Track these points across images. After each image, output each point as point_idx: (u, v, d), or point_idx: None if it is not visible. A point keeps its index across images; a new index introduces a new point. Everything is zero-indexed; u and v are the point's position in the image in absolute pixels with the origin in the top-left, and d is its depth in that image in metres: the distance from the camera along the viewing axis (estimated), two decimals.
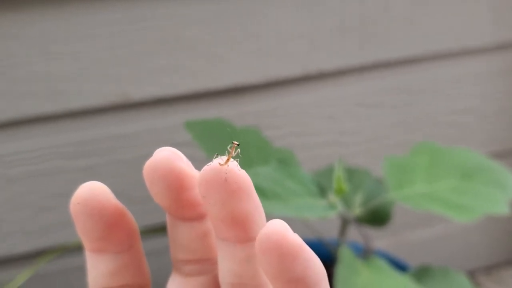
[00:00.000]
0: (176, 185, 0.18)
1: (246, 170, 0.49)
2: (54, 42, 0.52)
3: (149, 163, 0.18)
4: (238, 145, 0.19)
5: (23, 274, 0.49)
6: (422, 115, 0.71)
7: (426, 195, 0.51)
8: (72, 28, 0.52)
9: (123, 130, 0.58)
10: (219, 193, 0.17)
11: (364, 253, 0.55)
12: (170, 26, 0.56)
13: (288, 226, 0.17)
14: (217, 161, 0.18)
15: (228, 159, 0.18)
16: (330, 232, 0.58)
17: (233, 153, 0.19)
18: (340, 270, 0.45)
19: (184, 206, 0.19)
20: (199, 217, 0.20)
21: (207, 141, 0.51)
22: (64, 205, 0.57)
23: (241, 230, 0.18)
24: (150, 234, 0.56)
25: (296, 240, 0.16)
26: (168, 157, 0.18)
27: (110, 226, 0.19)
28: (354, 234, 0.58)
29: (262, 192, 0.45)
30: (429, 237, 0.78)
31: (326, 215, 0.46)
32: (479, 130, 0.74)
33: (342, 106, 0.66)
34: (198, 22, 0.56)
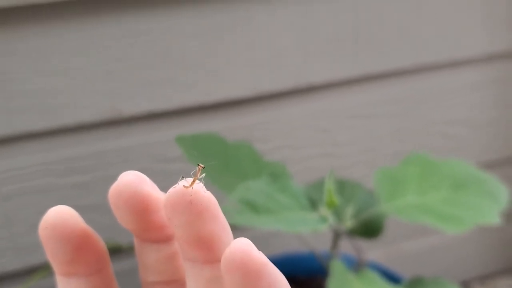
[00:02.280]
0: (141, 209, 0.19)
1: (238, 184, 0.49)
2: (47, 58, 0.53)
3: (113, 188, 0.19)
4: (203, 167, 0.19)
5: None
6: (414, 126, 0.71)
7: (417, 207, 0.51)
8: (64, 44, 0.53)
9: (115, 146, 0.58)
10: (184, 215, 0.17)
11: (357, 265, 0.55)
12: (162, 40, 0.56)
13: (252, 244, 0.17)
14: (182, 183, 0.18)
15: (193, 181, 0.18)
16: (322, 245, 0.58)
17: (198, 175, 0.18)
18: (332, 283, 0.45)
19: (150, 229, 0.19)
20: (166, 239, 0.20)
21: (199, 156, 0.51)
22: None
23: (207, 251, 0.18)
24: None
25: (260, 258, 0.16)
26: (132, 181, 0.19)
27: (78, 249, 0.19)
28: (347, 246, 0.58)
29: (253, 206, 0.45)
30: (422, 248, 0.78)
31: (318, 229, 0.46)
32: (471, 140, 0.75)
33: (335, 118, 0.66)
34: (190, 36, 0.57)
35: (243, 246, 0.16)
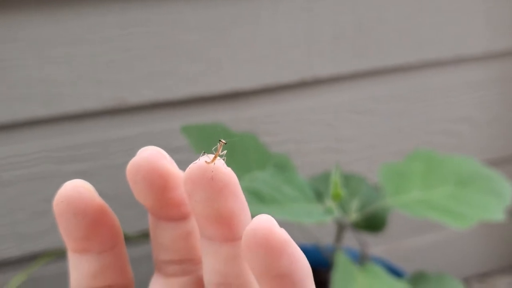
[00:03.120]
0: (159, 184, 0.18)
1: (244, 175, 0.49)
2: (50, 46, 0.52)
3: (132, 163, 0.18)
4: (225, 143, 0.18)
5: (16, 278, 0.49)
6: (417, 122, 0.71)
7: (421, 202, 0.51)
8: (67, 32, 0.52)
9: (118, 134, 0.58)
10: (205, 191, 0.17)
11: (360, 259, 0.55)
12: (167, 31, 0.56)
13: (274, 221, 0.16)
14: (204, 159, 0.17)
15: (215, 158, 0.18)
16: (326, 238, 0.58)
17: (219, 152, 0.18)
18: (336, 276, 0.45)
19: (168, 206, 0.19)
20: (183, 217, 0.20)
21: (204, 146, 0.51)
22: None
23: (226, 228, 0.18)
24: (144, 239, 0.56)
25: (282, 235, 0.16)
26: (151, 156, 0.18)
27: (93, 225, 0.18)
28: (350, 240, 0.58)
29: (259, 196, 0.45)
30: (424, 243, 0.78)
31: (323, 220, 0.45)
32: (474, 138, 0.75)
33: (339, 113, 0.66)
34: (195, 27, 0.56)
35: (266, 222, 0.16)
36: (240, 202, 0.18)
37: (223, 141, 0.18)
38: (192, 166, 0.17)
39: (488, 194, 0.52)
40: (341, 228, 0.53)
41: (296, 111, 0.64)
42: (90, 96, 0.55)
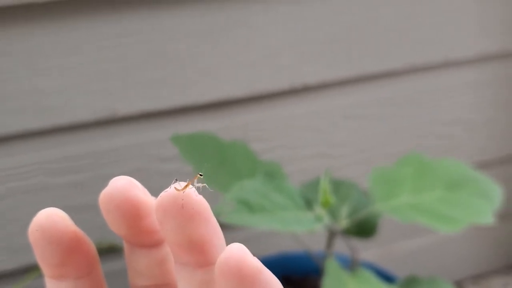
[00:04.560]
0: (132, 214, 0.19)
1: (233, 183, 0.49)
2: (41, 57, 0.52)
3: (104, 193, 0.19)
4: (201, 175, 0.19)
5: None
6: (409, 126, 0.71)
7: (412, 207, 0.51)
8: (58, 43, 0.53)
9: (110, 145, 0.58)
10: (175, 219, 0.17)
11: (351, 265, 0.55)
12: (157, 39, 0.56)
13: (247, 250, 0.17)
14: (175, 186, 0.18)
15: (186, 185, 0.18)
16: (317, 245, 0.58)
17: (193, 182, 0.19)
18: (327, 283, 0.45)
19: (141, 234, 0.19)
20: (157, 244, 0.20)
21: (194, 156, 0.51)
22: None
23: (199, 254, 0.18)
24: None
25: (255, 263, 0.16)
26: (124, 186, 0.19)
27: (68, 252, 0.19)
28: (342, 246, 0.58)
29: (248, 205, 0.45)
30: (417, 247, 0.78)
31: (313, 228, 0.46)
32: (466, 140, 0.75)
33: (330, 118, 0.67)
34: (185, 36, 0.57)
35: (238, 251, 0.16)
36: (211, 227, 0.18)
37: (201, 174, 0.19)
38: (163, 194, 0.18)
39: (477, 198, 0.52)
40: (331, 234, 0.53)
41: (287, 117, 0.65)
42: (82, 107, 0.55)
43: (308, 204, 0.49)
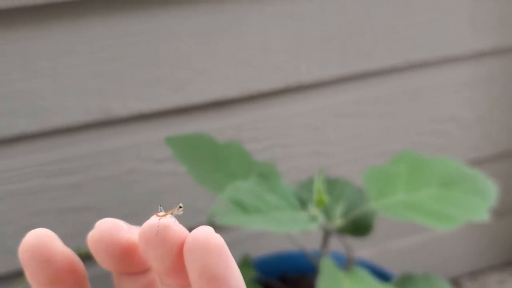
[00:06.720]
0: (119, 254, 0.20)
1: (228, 184, 0.49)
2: (35, 59, 0.52)
3: (92, 235, 0.20)
4: (181, 207, 0.20)
5: None
6: (403, 124, 0.71)
7: (407, 205, 0.52)
8: (52, 45, 0.53)
9: (106, 147, 0.58)
10: (157, 249, 0.19)
11: (347, 263, 0.55)
12: (151, 40, 0.56)
13: (212, 229, 0.18)
14: (156, 218, 0.19)
15: (165, 215, 0.19)
16: (312, 244, 0.58)
17: (175, 211, 0.20)
18: (322, 282, 0.45)
19: (129, 267, 0.20)
20: (144, 271, 0.21)
21: (189, 157, 0.51)
22: (47, 223, 0.57)
23: (183, 278, 0.19)
24: None
25: (220, 239, 0.18)
26: (109, 229, 0.20)
27: (58, 271, 0.20)
28: (337, 244, 0.58)
29: (242, 206, 0.45)
30: (412, 245, 0.78)
31: (307, 228, 0.46)
32: (461, 138, 0.75)
33: (324, 117, 0.67)
34: (180, 36, 0.57)
35: (206, 228, 0.18)
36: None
37: (181, 204, 0.20)
38: (144, 225, 0.19)
39: (472, 195, 0.52)
40: (326, 234, 0.53)
41: (282, 116, 0.65)
42: (77, 108, 0.55)
43: (303, 204, 0.49)
